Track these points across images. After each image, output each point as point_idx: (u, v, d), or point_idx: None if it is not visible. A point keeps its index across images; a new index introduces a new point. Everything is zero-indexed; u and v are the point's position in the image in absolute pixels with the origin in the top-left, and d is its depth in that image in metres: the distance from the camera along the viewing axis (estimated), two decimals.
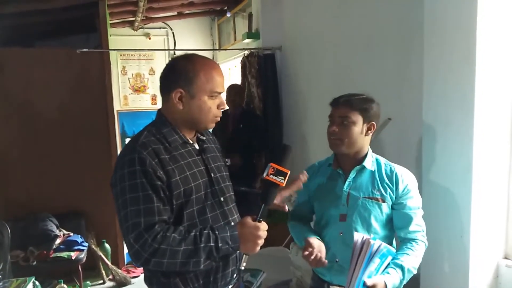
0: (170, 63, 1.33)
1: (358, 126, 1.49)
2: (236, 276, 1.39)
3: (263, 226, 1.25)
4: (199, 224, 1.28)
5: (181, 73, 1.27)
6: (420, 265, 1.83)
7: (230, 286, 1.37)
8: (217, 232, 1.22)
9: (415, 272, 1.46)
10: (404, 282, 1.45)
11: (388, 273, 1.40)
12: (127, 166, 1.21)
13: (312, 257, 1.42)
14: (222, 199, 1.36)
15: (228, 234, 1.23)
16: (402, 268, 1.43)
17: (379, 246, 1.36)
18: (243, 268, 1.28)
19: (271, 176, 1.27)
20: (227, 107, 1.38)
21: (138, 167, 1.20)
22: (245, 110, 3.84)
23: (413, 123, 2.15)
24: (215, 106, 1.31)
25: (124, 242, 1.25)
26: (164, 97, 1.33)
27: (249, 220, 1.26)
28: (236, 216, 1.40)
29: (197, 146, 1.38)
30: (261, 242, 1.25)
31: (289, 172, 1.29)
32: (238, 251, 1.30)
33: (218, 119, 1.35)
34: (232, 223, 1.35)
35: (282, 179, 1.27)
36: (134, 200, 1.20)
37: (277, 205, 1.35)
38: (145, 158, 1.21)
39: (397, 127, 2.29)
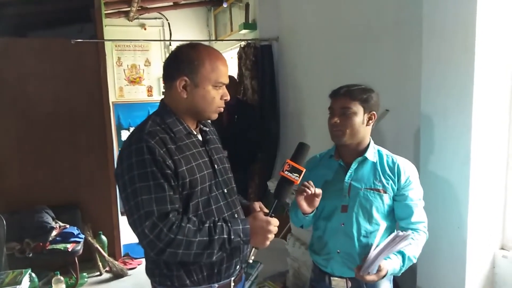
0: (174, 51, 1.32)
1: (359, 117, 1.49)
2: (239, 268, 1.39)
3: (275, 222, 1.27)
4: (203, 215, 1.27)
5: (186, 61, 1.26)
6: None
7: (233, 278, 1.37)
8: (230, 224, 1.22)
9: (414, 261, 1.47)
10: (403, 269, 1.45)
11: (389, 258, 1.41)
12: (135, 155, 1.19)
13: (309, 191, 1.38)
14: (225, 190, 1.36)
15: (240, 227, 1.23)
16: (403, 255, 1.44)
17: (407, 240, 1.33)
18: (251, 261, 1.29)
19: (286, 172, 1.27)
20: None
21: (147, 156, 1.18)
22: (240, 101, 3.82)
23: (411, 114, 2.14)
24: (218, 97, 1.31)
25: (136, 233, 1.22)
26: (168, 86, 1.32)
27: (261, 214, 1.28)
28: (238, 208, 1.40)
29: (200, 137, 1.37)
30: (271, 236, 1.26)
31: (304, 170, 1.29)
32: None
33: (222, 110, 1.34)
34: (236, 215, 1.35)
35: (296, 176, 1.27)
36: (145, 189, 1.18)
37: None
38: (154, 147, 1.19)
39: (395, 118, 2.28)
